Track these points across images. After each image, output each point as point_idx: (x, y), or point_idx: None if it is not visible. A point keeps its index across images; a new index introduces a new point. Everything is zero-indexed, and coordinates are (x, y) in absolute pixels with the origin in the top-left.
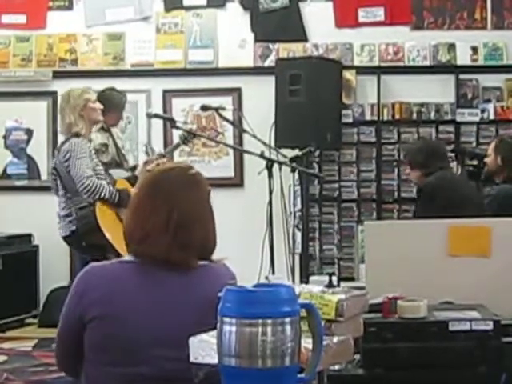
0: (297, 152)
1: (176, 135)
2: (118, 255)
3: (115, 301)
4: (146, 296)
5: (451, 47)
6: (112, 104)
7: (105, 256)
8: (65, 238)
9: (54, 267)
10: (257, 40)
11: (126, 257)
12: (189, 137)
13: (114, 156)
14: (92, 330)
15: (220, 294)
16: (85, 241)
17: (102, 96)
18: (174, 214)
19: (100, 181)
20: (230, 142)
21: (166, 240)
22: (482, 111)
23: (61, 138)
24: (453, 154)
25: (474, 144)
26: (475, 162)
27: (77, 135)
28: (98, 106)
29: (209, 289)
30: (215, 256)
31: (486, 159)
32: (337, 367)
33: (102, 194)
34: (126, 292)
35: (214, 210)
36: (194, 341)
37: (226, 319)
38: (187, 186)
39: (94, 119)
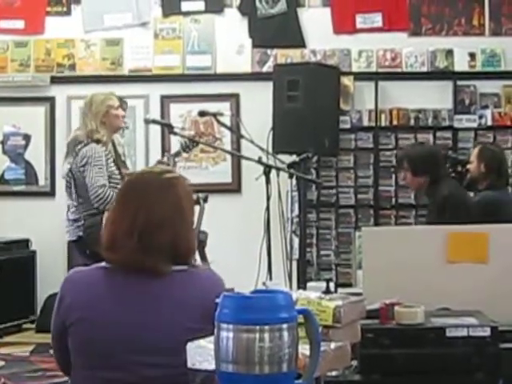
0: (294, 158)
1: (174, 141)
2: None
3: (91, 305)
4: (118, 301)
5: (449, 53)
6: None
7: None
8: (71, 243)
9: (52, 272)
10: (255, 46)
11: (102, 263)
12: (190, 144)
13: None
14: (72, 334)
15: (217, 300)
16: (89, 249)
17: None
18: (139, 217)
19: (112, 191)
20: (228, 147)
21: (130, 244)
22: (480, 117)
23: (59, 144)
24: None
25: (471, 150)
26: (459, 169)
27: (97, 141)
28: (121, 112)
29: (189, 293)
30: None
31: (468, 166)
32: (334, 373)
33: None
34: (100, 297)
35: (211, 215)
36: (191, 346)
37: (224, 325)
38: (156, 190)
39: (117, 126)
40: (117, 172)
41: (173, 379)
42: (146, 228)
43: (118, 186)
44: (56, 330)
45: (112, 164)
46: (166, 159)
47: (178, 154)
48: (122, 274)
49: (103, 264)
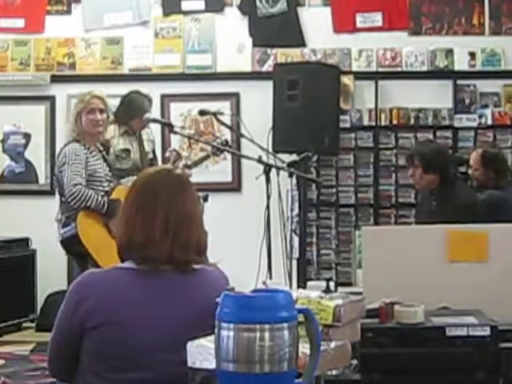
0: (295, 157)
1: (174, 140)
2: (97, 266)
3: (116, 308)
4: (147, 302)
5: (449, 53)
6: (132, 108)
7: (85, 267)
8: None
9: (52, 271)
10: (255, 45)
11: (126, 263)
12: (219, 150)
13: (135, 162)
14: (93, 337)
15: (217, 299)
16: (67, 249)
17: (125, 100)
18: (171, 215)
19: (87, 189)
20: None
21: (167, 242)
22: (480, 117)
23: (59, 143)
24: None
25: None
26: (463, 169)
27: (77, 140)
28: (95, 117)
29: (206, 291)
30: (210, 259)
31: (471, 172)
32: (334, 372)
33: (89, 203)
34: (126, 299)
35: (211, 214)
36: (191, 345)
37: (224, 324)
38: (178, 187)
39: (88, 131)
40: (102, 169)
41: None
42: (178, 224)
43: (106, 184)
44: (63, 333)
45: (97, 162)
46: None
47: (206, 157)
48: (150, 274)
49: (124, 265)
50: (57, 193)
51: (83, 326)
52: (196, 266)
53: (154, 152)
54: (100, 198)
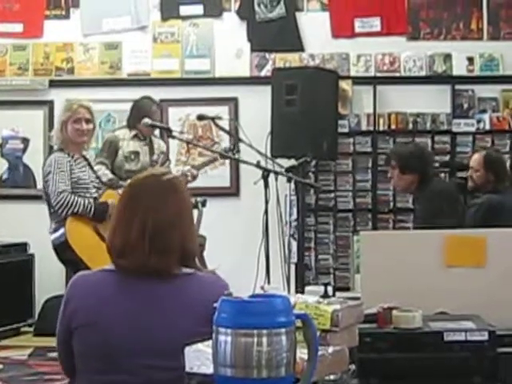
0: (293, 162)
1: (172, 145)
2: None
3: (97, 309)
4: (126, 304)
5: (447, 58)
6: (140, 113)
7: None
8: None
9: (50, 276)
10: (253, 50)
11: (111, 265)
12: (227, 154)
13: (145, 165)
14: (77, 338)
15: (215, 304)
16: (59, 256)
17: (135, 104)
18: (148, 220)
19: (73, 195)
20: None
21: (143, 247)
22: (478, 121)
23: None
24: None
25: (470, 154)
26: (464, 174)
27: (61, 149)
28: (81, 127)
29: (196, 296)
30: (208, 265)
31: (470, 173)
32: (332, 377)
33: (76, 209)
34: (107, 300)
35: (209, 219)
36: (189, 350)
37: (222, 329)
38: (161, 192)
39: (73, 140)
40: (87, 176)
41: (179, 382)
42: (156, 230)
43: (93, 190)
44: (61, 335)
45: (82, 169)
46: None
47: (213, 160)
48: (129, 278)
49: (109, 267)
50: (47, 203)
51: (70, 326)
52: (187, 271)
53: (163, 164)
54: (86, 202)
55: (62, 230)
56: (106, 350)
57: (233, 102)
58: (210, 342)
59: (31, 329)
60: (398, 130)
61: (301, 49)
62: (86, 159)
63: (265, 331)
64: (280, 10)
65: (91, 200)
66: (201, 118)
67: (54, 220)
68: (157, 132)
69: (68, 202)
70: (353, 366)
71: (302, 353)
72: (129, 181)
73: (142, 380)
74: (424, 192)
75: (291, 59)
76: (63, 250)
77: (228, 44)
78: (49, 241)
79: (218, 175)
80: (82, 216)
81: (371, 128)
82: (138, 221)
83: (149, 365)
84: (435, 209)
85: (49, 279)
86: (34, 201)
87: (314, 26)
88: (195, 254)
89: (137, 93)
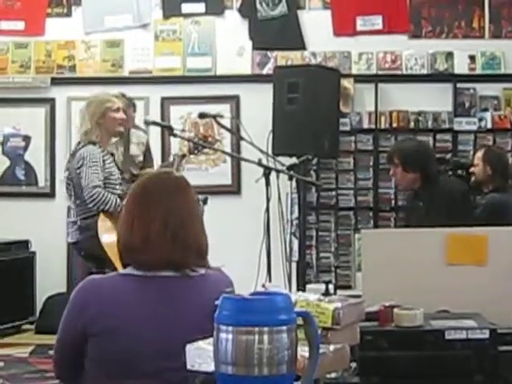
0: (294, 160)
1: (174, 142)
2: (115, 270)
3: (117, 314)
4: (147, 308)
5: (449, 56)
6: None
7: (103, 269)
8: (71, 245)
9: (51, 274)
10: (255, 48)
11: (127, 269)
12: (196, 149)
13: (126, 159)
14: (95, 343)
15: (217, 302)
16: (84, 251)
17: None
18: (170, 217)
19: (107, 192)
20: (228, 149)
21: (166, 243)
22: (480, 120)
23: (59, 146)
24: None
25: (471, 153)
26: (459, 172)
27: (93, 143)
28: (120, 115)
29: (209, 296)
30: (211, 263)
31: (472, 169)
32: (333, 375)
33: (107, 206)
34: (127, 305)
35: (211, 217)
36: (190, 348)
37: (223, 327)
38: (177, 189)
39: (112, 130)
40: (116, 172)
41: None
42: (178, 227)
43: (118, 187)
44: (67, 337)
45: (111, 165)
46: (171, 159)
47: (183, 156)
48: (151, 281)
49: (125, 271)
50: (72, 194)
51: (85, 332)
52: (200, 270)
53: (145, 154)
54: (118, 200)
55: (92, 226)
56: (127, 355)
57: (234, 100)
58: (210, 340)
59: (32, 326)
60: (399, 129)
61: (302, 47)
62: (112, 154)
63: (266, 329)
64: (282, 8)
65: (117, 198)
66: (202, 116)
67: (82, 214)
68: (140, 124)
69: (101, 198)
70: (354, 364)
71: (303, 351)
72: (137, 181)
73: (161, 382)
74: (432, 190)
75: (293, 57)
76: (90, 244)
77: (230, 42)
78: (50, 238)
79: (219, 173)
80: (111, 214)
81: (373, 126)
82: (158, 217)
83: (166, 367)
84: (451, 206)
85: (50, 277)
86: (36, 198)
87: (316, 24)
88: (207, 250)
89: (138, 91)
